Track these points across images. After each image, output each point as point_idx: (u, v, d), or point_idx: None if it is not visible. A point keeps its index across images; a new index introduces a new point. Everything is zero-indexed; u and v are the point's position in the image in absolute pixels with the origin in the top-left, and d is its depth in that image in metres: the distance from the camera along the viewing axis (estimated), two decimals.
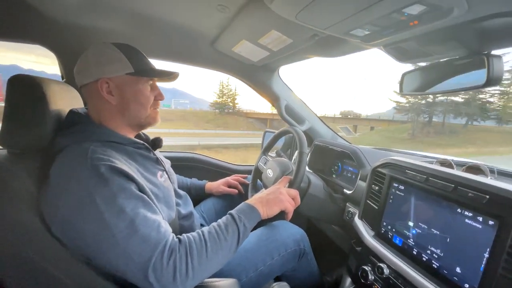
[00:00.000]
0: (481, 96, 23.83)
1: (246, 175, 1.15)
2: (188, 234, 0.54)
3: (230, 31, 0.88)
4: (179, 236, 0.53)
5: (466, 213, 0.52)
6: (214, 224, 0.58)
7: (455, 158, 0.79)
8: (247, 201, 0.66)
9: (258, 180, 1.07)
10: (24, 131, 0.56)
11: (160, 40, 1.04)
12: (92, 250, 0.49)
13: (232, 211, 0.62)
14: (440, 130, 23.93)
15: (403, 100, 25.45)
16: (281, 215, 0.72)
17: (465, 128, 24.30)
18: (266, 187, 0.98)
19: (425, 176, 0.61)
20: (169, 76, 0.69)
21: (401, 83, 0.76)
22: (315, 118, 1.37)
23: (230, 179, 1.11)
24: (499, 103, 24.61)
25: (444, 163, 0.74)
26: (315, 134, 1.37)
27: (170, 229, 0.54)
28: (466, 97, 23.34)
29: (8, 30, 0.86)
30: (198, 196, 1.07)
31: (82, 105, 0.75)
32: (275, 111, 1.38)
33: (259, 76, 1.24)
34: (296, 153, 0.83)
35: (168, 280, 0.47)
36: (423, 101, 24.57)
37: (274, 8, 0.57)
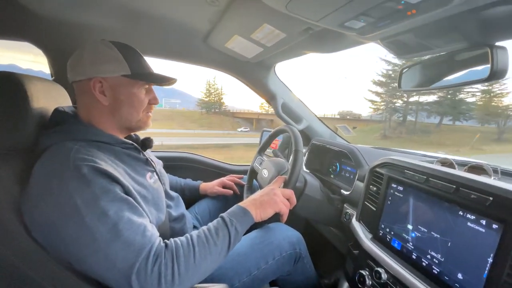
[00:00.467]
0: (462, 96, 23.30)
1: (242, 176, 1.13)
2: (176, 239, 0.52)
3: (222, 26, 0.85)
4: (165, 240, 0.51)
5: (469, 215, 0.49)
6: (204, 227, 0.56)
7: (457, 158, 0.76)
8: (240, 203, 0.64)
9: (254, 180, 1.05)
10: (6, 130, 0.54)
11: (152, 36, 1.01)
12: (73, 254, 0.47)
13: (224, 214, 0.60)
14: (412, 130, 23.63)
15: (377, 99, 25.18)
16: (276, 217, 0.69)
17: (438, 127, 23.86)
18: (261, 187, 0.95)
19: (425, 177, 0.58)
20: (167, 82, 0.66)
21: (399, 79, 0.73)
22: (313, 117, 1.34)
23: (225, 179, 1.09)
24: (480, 103, 24.00)
25: (445, 162, 0.71)
26: (313, 133, 1.34)
27: (157, 233, 0.52)
28: (441, 94, 22.80)
29: None
30: (192, 197, 1.05)
31: (70, 104, 0.73)
32: (262, 110, 1.35)
33: (254, 73, 1.21)
34: None
35: (152, 286, 0.45)
36: (399, 101, 24.20)
37: None
